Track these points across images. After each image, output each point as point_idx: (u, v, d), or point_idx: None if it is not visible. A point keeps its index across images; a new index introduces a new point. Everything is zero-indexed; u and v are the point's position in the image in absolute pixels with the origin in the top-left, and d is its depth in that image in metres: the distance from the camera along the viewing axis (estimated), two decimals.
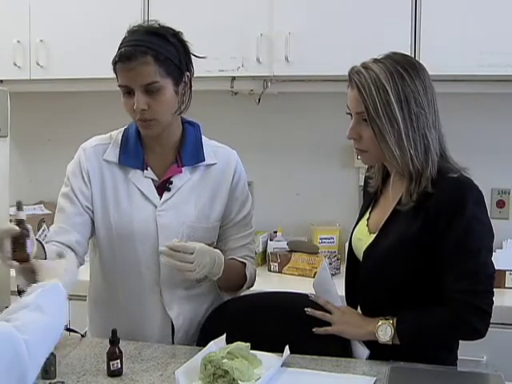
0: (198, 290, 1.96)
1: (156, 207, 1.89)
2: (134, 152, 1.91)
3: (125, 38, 1.83)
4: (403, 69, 1.67)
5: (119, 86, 1.81)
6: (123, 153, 1.91)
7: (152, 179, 1.91)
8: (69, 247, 1.84)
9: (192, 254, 1.72)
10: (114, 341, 1.64)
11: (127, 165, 1.91)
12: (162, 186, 1.91)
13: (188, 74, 1.87)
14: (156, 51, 1.78)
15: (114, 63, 1.81)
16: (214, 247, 1.90)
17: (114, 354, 1.63)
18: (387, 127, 1.65)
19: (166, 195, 1.90)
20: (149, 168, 1.91)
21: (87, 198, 1.90)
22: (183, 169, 1.91)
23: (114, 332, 1.65)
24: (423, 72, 1.70)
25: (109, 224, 1.90)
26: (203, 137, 1.97)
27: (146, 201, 1.89)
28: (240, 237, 1.99)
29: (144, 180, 1.91)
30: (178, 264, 1.73)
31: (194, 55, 1.89)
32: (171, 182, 1.90)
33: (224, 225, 1.98)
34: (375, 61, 1.69)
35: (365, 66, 1.69)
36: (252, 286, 2.02)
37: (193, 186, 1.92)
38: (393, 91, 1.64)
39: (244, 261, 1.96)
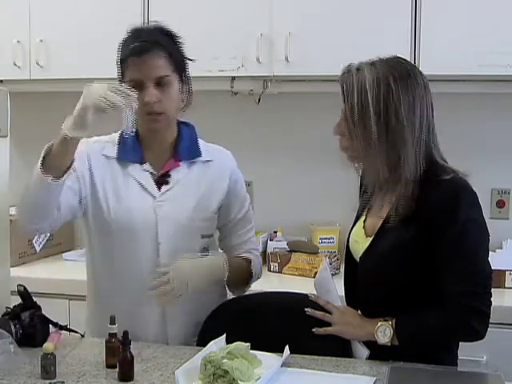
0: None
1: (155, 198, 1.90)
2: (132, 148, 1.93)
3: (129, 37, 1.86)
4: (393, 79, 1.63)
5: (128, 81, 1.81)
6: (122, 149, 1.94)
7: (151, 173, 1.93)
8: None
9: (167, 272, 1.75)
10: (126, 343, 1.59)
11: (126, 159, 1.93)
12: (161, 181, 1.93)
13: (186, 74, 1.91)
14: (166, 46, 1.83)
15: (123, 59, 1.84)
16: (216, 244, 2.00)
17: (125, 358, 1.59)
18: (359, 133, 1.66)
19: (164, 188, 1.92)
20: (147, 163, 1.93)
21: (85, 182, 1.89)
22: (181, 163, 1.94)
23: (125, 334, 1.59)
24: (415, 82, 1.65)
25: (108, 216, 1.90)
26: (199, 138, 2.00)
27: (145, 192, 1.91)
28: (242, 233, 2.04)
29: (143, 173, 1.93)
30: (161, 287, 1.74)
31: (187, 58, 1.92)
32: (169, 176, 1.93)
33: (226, 224, 2.02)
34: (372, 63, 1.67)
35: (358, 67, 1.68)
36: (259, 278, 2.07)
37: (191, 180, 1.94)
38: (374, 102, 1.62)
39: (249, 257, 2.01)
